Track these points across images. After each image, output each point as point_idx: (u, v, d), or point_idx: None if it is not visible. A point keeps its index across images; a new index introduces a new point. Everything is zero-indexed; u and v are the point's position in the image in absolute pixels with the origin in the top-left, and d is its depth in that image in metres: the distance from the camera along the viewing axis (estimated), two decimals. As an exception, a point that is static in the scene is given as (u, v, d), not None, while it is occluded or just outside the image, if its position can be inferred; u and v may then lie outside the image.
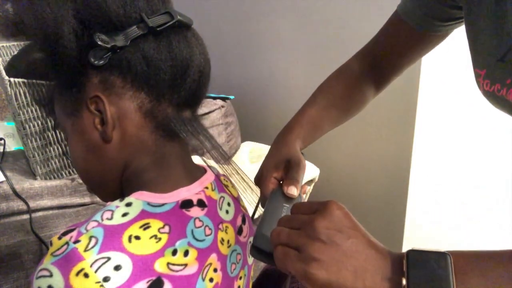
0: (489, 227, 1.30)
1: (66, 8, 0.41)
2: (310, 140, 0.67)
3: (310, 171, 1.36)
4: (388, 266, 0.37)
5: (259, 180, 0.60)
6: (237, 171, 0.53)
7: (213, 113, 1.41)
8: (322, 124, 0.68)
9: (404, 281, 0.35)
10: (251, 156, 1.51)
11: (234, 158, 1.50)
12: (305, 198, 1.43)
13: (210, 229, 0.49)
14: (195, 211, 0.48)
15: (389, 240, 1.42)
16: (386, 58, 0.71)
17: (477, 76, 0.54)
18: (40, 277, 0.36)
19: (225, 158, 0.50)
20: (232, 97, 1.53)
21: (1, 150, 1.05)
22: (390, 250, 0.39)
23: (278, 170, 0.58)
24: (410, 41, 0.67)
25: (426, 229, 1.37)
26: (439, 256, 0.36)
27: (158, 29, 0.44)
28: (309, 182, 1.39)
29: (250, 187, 0.55)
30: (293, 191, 0.54)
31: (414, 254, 0.37)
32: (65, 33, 0.41)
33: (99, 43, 0.42)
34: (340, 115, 0.71)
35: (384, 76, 0.73)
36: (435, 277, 0.35)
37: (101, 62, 0.43)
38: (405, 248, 1.38)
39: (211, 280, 0.47)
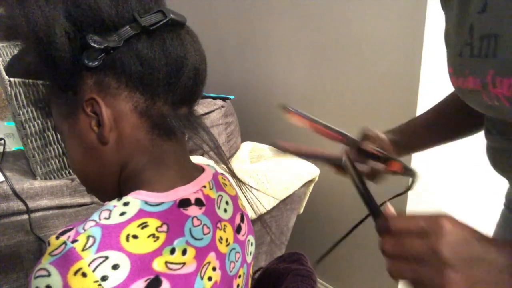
0: (489, 227, 1.29)
1: (58, 10, 0.41)
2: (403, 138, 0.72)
3: (310, 171, 1.36)
4: None
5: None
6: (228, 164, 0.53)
7: (213, 113, 1.41)
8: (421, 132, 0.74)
9: None
10: (251, 156, 1.51)
11: (234, 158, 1.50)
12: (304, 198, 1.43)
13: (208, 227, 0.49)
14: (193, 210, 0.48)
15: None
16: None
17: (450, 75, 0.53)
18: (38, 277, 0.36)
19: (223, 155, 0.50)
20: (232, 97, 1.53)
21: (1, 150, 1.06)
22: None
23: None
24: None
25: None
26: None
27: (151, 28, 0.43)
28: (309, 182, 1.39)
29: (244, 184, 0.55)
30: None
31: None
32: (57, 36, 0.41)
33: (92, 44, 0.42)
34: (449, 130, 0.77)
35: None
36: None
37: (95, 63, 0.43)
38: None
39: (209, 278, 0.47)
